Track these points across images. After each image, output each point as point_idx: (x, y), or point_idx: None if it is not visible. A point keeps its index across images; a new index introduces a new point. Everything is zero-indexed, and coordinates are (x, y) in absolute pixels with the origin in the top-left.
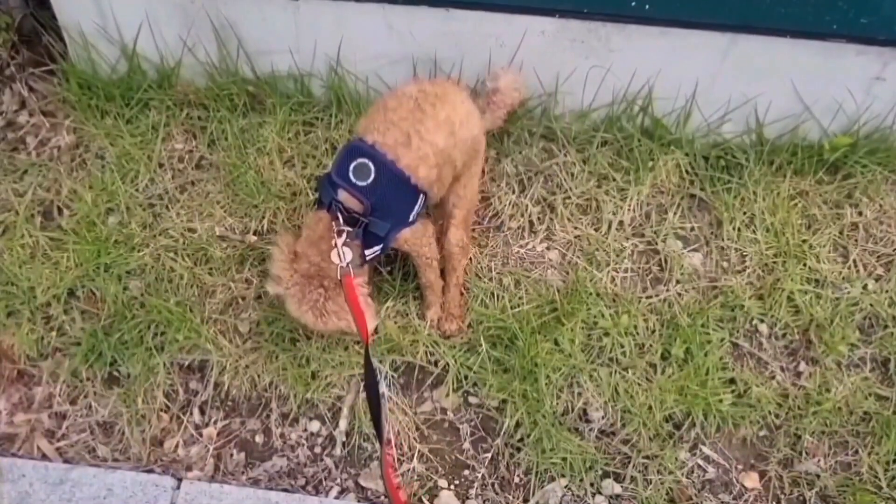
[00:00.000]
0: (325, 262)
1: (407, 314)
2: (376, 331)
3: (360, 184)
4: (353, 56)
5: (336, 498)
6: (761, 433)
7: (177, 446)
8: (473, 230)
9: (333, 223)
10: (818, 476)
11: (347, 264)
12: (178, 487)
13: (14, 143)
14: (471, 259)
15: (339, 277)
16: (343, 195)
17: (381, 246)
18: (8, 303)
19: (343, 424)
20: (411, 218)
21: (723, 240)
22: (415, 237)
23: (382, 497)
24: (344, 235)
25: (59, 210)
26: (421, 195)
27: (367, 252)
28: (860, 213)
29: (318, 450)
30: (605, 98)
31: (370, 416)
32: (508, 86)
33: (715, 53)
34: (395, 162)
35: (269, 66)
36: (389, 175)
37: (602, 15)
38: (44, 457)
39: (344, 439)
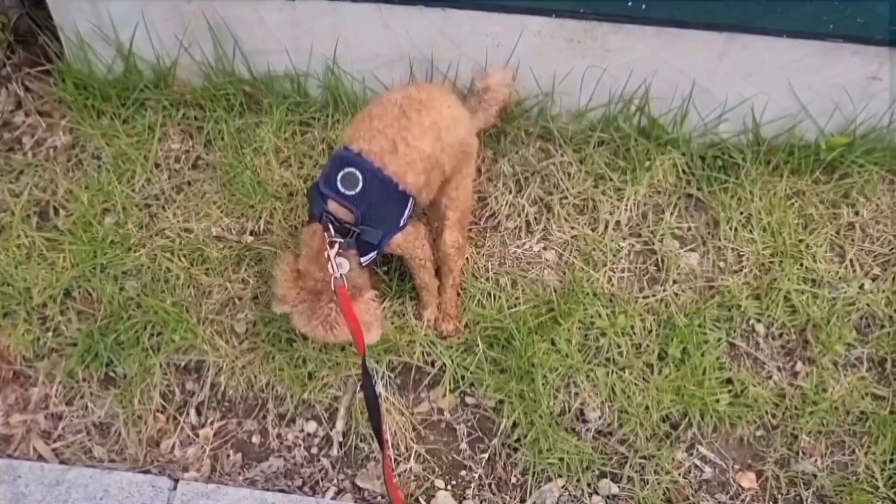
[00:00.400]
0: (328, 275)
1: (403, 314)
2: None
3: (349, 193)
4: (350, 56)
5: (333, 498)
6: (758, 433)
7: (173, 447)
8: (470, 230)
9: (325, 234)
10: (815, 476)
11: (342, 275)
12: (175, 488)
13: (10, 143)
14: (467, 259)
15: (333, 289)
16: (333, 205)
17: (375, 252)
18: (4, 303)
19: (340, 425)
20: (402, 223)
21: (719, 240)
22: (407, 241)
23: (380, 498)
24: (336, 246)
25: (56, 210)
26: (410, 199)
27: (362, 259)
28: (857, 213)
29: (314, 450)
30: (601, 98)
31: (368, 418)
32: (499, 83)
33: (711, 53)
34: (382, 169)
35: (265, 66)
36: (377, 183)
37: (598, 15)
38: (40, 458)
39: (341, 440)
